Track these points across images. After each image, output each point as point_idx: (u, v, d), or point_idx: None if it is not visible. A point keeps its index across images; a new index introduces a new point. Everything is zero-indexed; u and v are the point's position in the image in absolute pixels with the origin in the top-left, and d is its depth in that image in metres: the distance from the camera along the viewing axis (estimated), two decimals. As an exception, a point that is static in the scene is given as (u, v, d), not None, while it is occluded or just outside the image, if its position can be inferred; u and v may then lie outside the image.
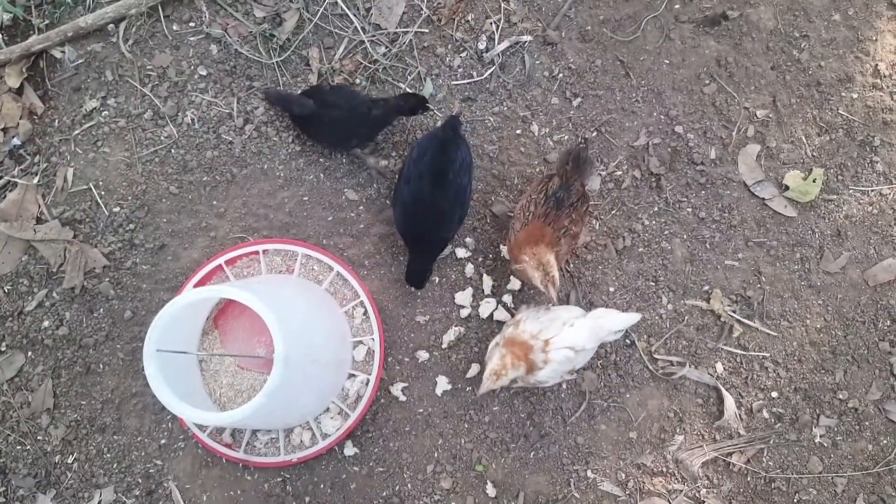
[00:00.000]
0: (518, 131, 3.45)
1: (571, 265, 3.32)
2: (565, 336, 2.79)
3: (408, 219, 3.09)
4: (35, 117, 3.47)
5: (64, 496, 3.25)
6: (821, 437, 3.22)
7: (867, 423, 3.23)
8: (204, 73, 3.48)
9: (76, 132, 3.45)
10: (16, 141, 3.43)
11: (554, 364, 2.79)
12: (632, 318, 2.91)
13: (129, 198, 3.42)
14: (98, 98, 3.47)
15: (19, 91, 3.46)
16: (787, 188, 3.35)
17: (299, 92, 3.36)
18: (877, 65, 3.46)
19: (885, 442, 3.22)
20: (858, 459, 3.21)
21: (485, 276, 3.34)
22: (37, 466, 3.27)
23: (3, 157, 3.44)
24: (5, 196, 3.40)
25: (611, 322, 2.87)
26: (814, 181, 3.35)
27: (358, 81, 3.45)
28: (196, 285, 3.24)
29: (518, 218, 2.99)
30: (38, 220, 3.40)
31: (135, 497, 3.24)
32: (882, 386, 3.25)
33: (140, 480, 3.24)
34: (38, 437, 3.29)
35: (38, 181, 3.42)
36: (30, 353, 3.34)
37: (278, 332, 2.54)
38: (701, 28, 3.50)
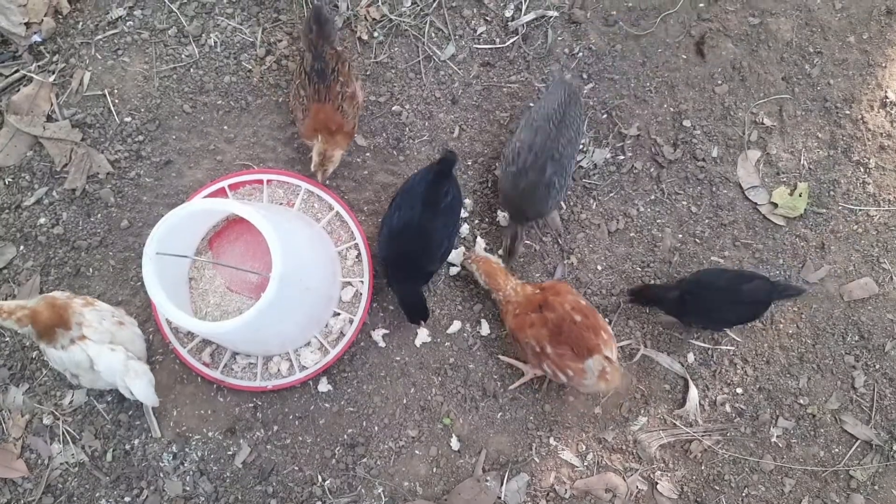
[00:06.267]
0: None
1: (562, 240, 3.41)
2: (97, 351, 2.82)
3: (392, 243, 3.06)
4: (60, 17, 3.48)
5: (36, 392, 3.28)
6: (777, 437, 3.33)
7: (822, 430, 3.35)
8: (233, -2, 3.52)
9: (98, 37, 3.48)
10: (37, 37, 3.44)
11: (72, 353, 2.83)
12: (144, 396, 2.89)
13: (143, 110, 3.45)
14: (125, 7, 3.49)
15: (47, -12, 3.47)
16: (776, 206, 3.45)
17: None
18: (885, 92, 3.56)
19: (836, 450, 3.34)
20: (809, 464, 3.33)
21: (478, 237, 3.41)
22: (13, 359, 3.30)
23: (23, 52, 3.45)
24: (19, 90, 3.42)
25: (131, 384, 2.86)
26: (800, 195, 3.45)
27: (376, 35, 3.50)
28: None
29: (296, 107, 3.19)
30: (49, 119, 3.42)
31: (106, 402, 3.28)
32: (841, 397, 3.37)
33: (114, 387, 3.29)
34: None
35: (54, 80, 3.44)
36: (22, 248, 3.37)
37: (278, 249, 2.60)
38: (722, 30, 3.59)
